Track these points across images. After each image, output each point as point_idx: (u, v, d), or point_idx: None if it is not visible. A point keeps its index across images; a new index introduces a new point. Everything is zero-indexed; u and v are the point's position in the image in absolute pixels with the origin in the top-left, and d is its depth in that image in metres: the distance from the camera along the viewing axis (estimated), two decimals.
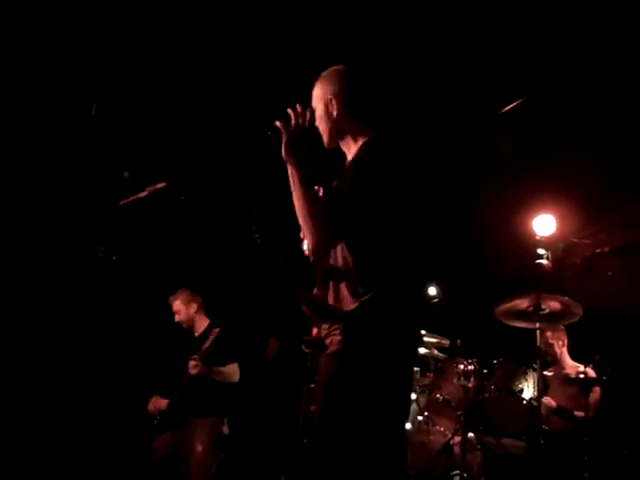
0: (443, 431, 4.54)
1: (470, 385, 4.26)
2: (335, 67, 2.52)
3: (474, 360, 4.37)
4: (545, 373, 4.59)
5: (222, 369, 4.62)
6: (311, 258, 2.48)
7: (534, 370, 4.23)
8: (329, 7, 4.60)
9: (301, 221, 2.26)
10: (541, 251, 5.08)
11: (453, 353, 4.63)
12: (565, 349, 4.92)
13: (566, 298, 4.29)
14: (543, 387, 4.25)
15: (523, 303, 4.33)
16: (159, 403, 4.72)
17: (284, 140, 2.29)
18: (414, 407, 4.58)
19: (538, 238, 5.20)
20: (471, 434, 4.41)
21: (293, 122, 2.29)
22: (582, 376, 4.41)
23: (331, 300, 2.38)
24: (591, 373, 4.49)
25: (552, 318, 4.38)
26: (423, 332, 4.73)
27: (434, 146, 5.08)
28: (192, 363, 4.50)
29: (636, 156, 5.23)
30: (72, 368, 5.13)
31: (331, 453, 2.16)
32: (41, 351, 5.18)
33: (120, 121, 5.01)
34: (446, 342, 4.87)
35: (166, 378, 4.85)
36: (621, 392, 4.75)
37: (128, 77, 4.93)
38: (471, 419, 4.24)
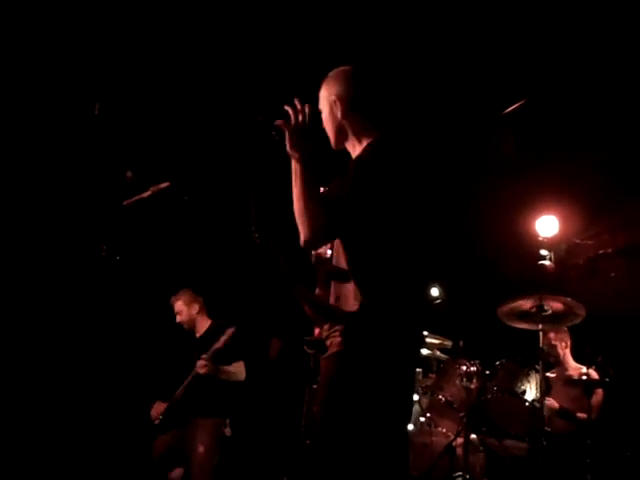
0: (445, 432, 4.53)
1: (472, 386, 4.26)
2: (340, 68, 2.51)
3: (477, 361, 4.36)
4: (548, 374, 4.58)
5: (229, 368, 4.62)
6: (313, 259, 2.49)
7: (537, 371, 4.23)
8: (334, 8, 4.60)
9: (296, 214, 2.25)
10: (544, 252, 5.07)
11: (456, 354, 4.62)
12: (568, 350, 4.91)
13: (569, 299, 4.28)
14: (546, 388, 4.25)
15: (526, 304, 4.33)
16: (161, 408, 4.72)
17: (287, 135, 2.29)
18: (416, 408, 4.58)
19: (541, 239, 5.19)
20: (473, 435, 4.41)
21: (293, 118, 2.29)
22: (585, 378, 4.40)
23: (332, 300, 2.37)
24: (594, 375, 4.48)
25: (555, 319, 4.37)
26: (425, 333, 4.73)
27: (437, 147, 5.08)
28: (201, 363, 4.50)
29: (639, 157, 5.23)
30: (74, 367, 5.13)
31: (332, 455, 2.16)
32: (43, 350, 5.19)
33: (123, 120, 5.01)
34: (448, 343, 4.86)
35: (167, 378, 4.85)
36: (624, 394, 4.75)
37: (131, 77, 4.93)
38: (473, 420, 4.23)
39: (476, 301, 5.46)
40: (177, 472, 4.65)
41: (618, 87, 4.92)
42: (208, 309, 5.02)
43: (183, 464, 4.62)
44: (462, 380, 4.27)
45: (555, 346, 4.88)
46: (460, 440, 4.27)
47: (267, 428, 5.80)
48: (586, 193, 5.41)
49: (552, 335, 4.83)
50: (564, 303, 4.29)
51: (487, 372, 4.32)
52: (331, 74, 2.51)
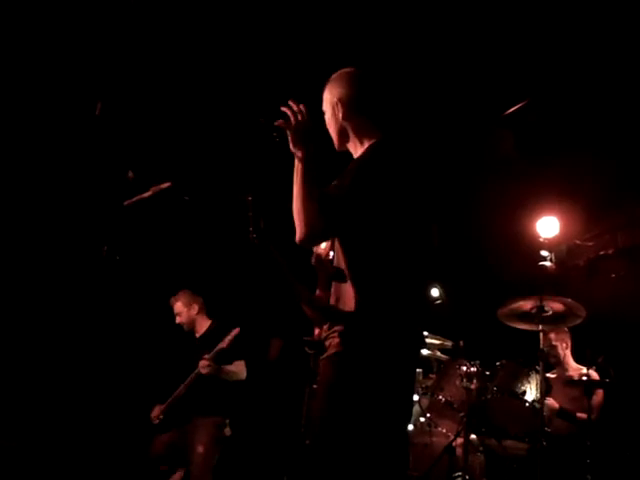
0: (445, 433, 4.53)
1: (473, 387, 4.25)
2: (342, 70, 2.53)
3: (477, 362, 4.35)
4: (548, 375, 4.58)
5: (230, 367, 4.63)
6: (314, 260, 2.49)
7: (537, 372, 4.22)
8: (337, 10, 4.61)
9: (294, 212, 2.26)
10: (544, 253, 5.06)
11: (456, 355, 4.62)
12: (569, 351, 4.92)
13: (569, 300, 4.29)
14: (546, 389, 4.25)
15: (526, 305, 4.34)
16: (161, 409, 4.73)
17: (289, 135, 2.30)
18: (416, 408, 4.57)
19: (541, 240, 5.18)
20: (473, 436, 4.40)
21: (292, 118, 2.30)
22: (585, 378, 4.41)
23: (333, 301, 2.38)
24: (594, 375, 4.48)
25: (555, 320, 4.38)
26: (426, 333, 4.73)
27: (438, 148, 5.08)
28: (203, 362, 4.51)
29: (639, 158, 5.23)
30: (74, 367, 5.14)
31: (331, 455, 2.16)
32: (44, 350, 5.19)
33: (125, 121, 5.02)
34: (449, 344, 4.86)
35: (167, 377, 4.86)
36: (624, 394, 4.75)
37: (133, 77, 4.94)
38: (473, 421, 4.23)
39: (476, 301, 5.46)
40: (178, 475, 4.66)
41: (619, 88, 4.92)
42: (208, 309, 5.02)
43: (183, 464, 4.62)
44: (462, 380, 4.27)
45: (556, 347, 4.88)
46: (460, 440, 4.27)
47: (267, 428, 5.80)
48: (587, 194, 5.41)
49: (553, 336, 4.83)
50: (564, 304, 4.29)
51: (487, 373, 4.31)
52: (333, 76, 2.53)
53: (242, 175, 4.74)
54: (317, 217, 2.21)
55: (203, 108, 5.20)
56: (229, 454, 4.77)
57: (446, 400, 4.37)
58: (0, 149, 4.95)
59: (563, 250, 5.56)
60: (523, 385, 4.24)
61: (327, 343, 2.30)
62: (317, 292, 2.53)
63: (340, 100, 2.45)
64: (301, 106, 2.32)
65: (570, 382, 4.62)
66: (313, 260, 2.52)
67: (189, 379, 4.63)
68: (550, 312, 4.31)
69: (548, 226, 5.31)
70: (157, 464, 4.65)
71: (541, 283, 4.60)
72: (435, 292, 5.11)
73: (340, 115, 2.45)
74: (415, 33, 4.79)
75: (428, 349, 4.78)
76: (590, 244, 5.79)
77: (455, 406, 4.33)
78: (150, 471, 4.66)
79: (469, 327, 5.03)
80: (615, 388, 4.49)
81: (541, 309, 4.27)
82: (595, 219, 5.75)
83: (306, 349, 2.46)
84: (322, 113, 2.54)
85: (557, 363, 4.91)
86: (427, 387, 4.60)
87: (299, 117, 2.31)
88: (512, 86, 5.10)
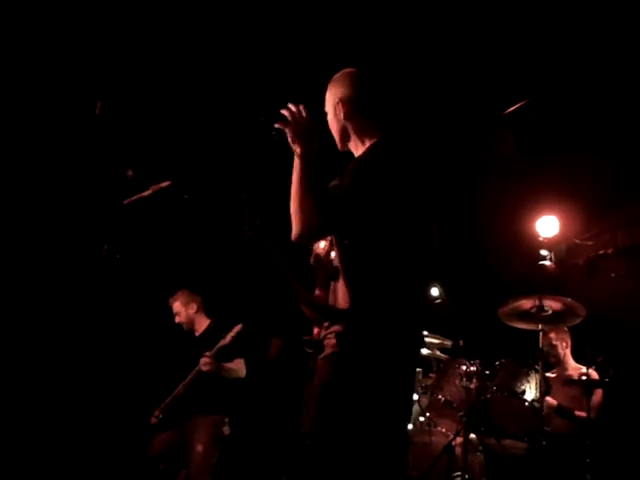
0: (445, 432, 4.53)
1: (472, 386, 4.26)
2: (344, 70, 2.54)
3: (476, 361, 4.36)
4: (547, 375, 4.58)
5: (231, 365, 4.63)
6: (313, 260, 2.49)
7: (536, 371, 4.22)
8: (338, 10, 4.61)
9: (292, 209, 2.26)
10: (544, 252, 5.08)
11: (455, 354, 4.62)
12: (569, 350, 4.92)
13: (569, 299, 4.29)
14: (545, 389, 4.25)
15: (526, 304, 4.34)
16: (160, 409, 4.74)
17: (287, 131, 2.31)
18: (416, 408, 4.58)
19: (541, 239, 5.20)
20: (473, 435, 4.41)
21: (291, 117, 2.32)
22: (584, 378, 4.41)
23: (331, 301, 2.38)
24: (594, 375, 4.48)
25: (555, 319, 4.38)
26: (425, 333, 4.74)
27: (438, 148, 5.08)
28: (204, 360, 4.51)
29: (639, 157, 5.23)
30: (73, 366, 5.14)
31: (326, 457, 2.15)
32: (43, 349, 5.19)
33: (124, 119, 5.02)
34: (448, 343, 4.86)
35: (166, 376, 4.86)
36: (623, 394, 4.75)
37: (133, 76, 4.94)
38: (473, 420, 4.23)
39: (476, 301, 5.46)
40: (181, 476, 4.66)
41: (618, 88, 4.92)
42: (208, 308, 5.02)
43: (182, 464, 4.62)
44: (462, 380, 4.27)
45: (556, 346, 4.88)
46: (459, 440, 4.27)
47: (267, 428, 5.80)
48: (586, 193, 5.41)
49: (553, 335, 4.83)
50: (564, 303, 4.30)
51: (487, 372, 4.31)
52: (335, 76, 2.54)
53: (239, 173, 4.74)
54: (314, 215, 2.21)
55: (203, 107, 5.20)
56: (228, 453, 4.76)
57: (446, 399, 4.37)
58: (0, 148, 4.96)
59: (563, 249, 5.57)
60: (523, 384, 4.24)
61: (325, 343, 2.30)
62: (316, 292, 2.53)
63: (342, 100, 2.46)
64: (301, 107, 2.33)
65: (570, 381, 4.63)
66: (312, 260, 2.52)
67: (189, 378, 4.64)
68: (550, 311, 4.31)
69: (548, 225, 5.32)
70: (157, 463, 4.65)
71: (541, 282, 4.61)
72: (435, 291, 5.11)
73: (342, 115, 2.46)
74: (416, 33, 4.79)
75: (428, 348, 4.78)
76: (590, 243, 5.80)
77: (455, 405, 4.33)
78: (150, 470, 4.66)
79: (469, 326, 5.03)
80: (614, 387, 4.49)
81: (541, 308, 4.28)
82: (595, 218, 5.76)
83: (305, 348, 2.45)
84: (324, 114, 2.54)
85: (557, 362, 4.91)
86: (427, 386, 4.60)
87: (298, 116, 2.32)
88: (512, 86, 5.10)
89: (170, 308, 4.99)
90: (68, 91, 4.93)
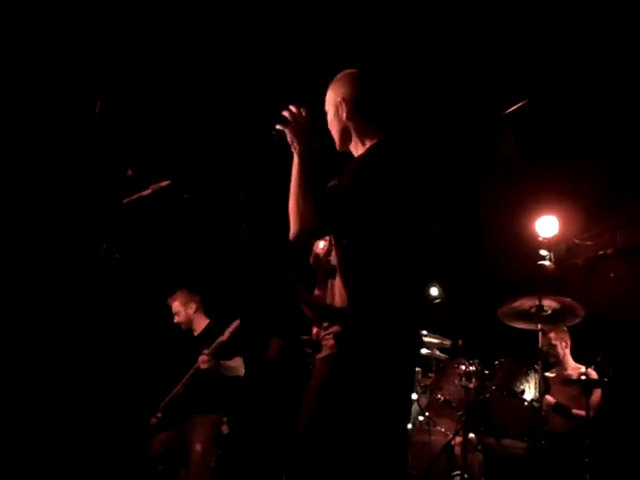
0: (444, 431, 4.54)
1: (471, 386, 4.26)
2: (346, 71, 2.54)
3: (475, 361, 4.36)
4: (547, 374, 4.59)
5: (229, 363, 4.63)
6: (312, 259, 2.49)
7: (535, 371, 4.23)
8: (339, 11, 4.61)
9: (290, 208, 2.26)
10: (543, 252, 5.08)
11: (455, 354, 4.62)
12: (568, 350, 4.92)
13: (568, 299, 4.30)
14: (544, 388, 4.25)
15: (525, 304, 4.34)
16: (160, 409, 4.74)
17: (287, 131, 2.32)
18: (415, 407, 4.58)
19: (540, 239, 5.20)
20: (472, 435, 4.41)
21: (291, 117, 2.32)
22: (584, 377, 4.41)
23: (330, 301, 2.38)
24: (593, 374, 4.48)
25: (554, 319, 4.38)
26: (425, 332, 4.74)
27: (439, 149, 5.08)
28: (203, 357, 4.51)
29: (638, 157, 5.23)
30: (73, 366, 5.14)
31: (322, 457, 2.15)
32: (42, 349, 5.19)
33: (124, 119, 5.02)
34: (448, 343, 4.87)
35: (166, 376, 4.86)
36: (622, 393, 4.75)
37: (132, 75, 4.94)
38: (472, 419, 4.23)
39: (476, 301, 5.46)
40: (181, 476, 4.66)
41: (618, 88, 4.92)
42: (207, 307, 5.02)
43: (182, 463, 4.62)
44: (461, 379, 4.27)
45: (555, 346, 4.88)
46: (458, 439, 4.27)
47: (266, 427, 5.80)
48: (586, 193, 5.41)
49: (552, 335, 4.84)
50: (563, 303, 4.30)
51: (486, 371, 4.31)
52: (337, 76, 2.54)
53: (237, 172, 4.74)
54: (312, 215, 2.21)
55: (202, 106, 5.20)
56: (228, 453, 4.77)
57: (445, 399, 4.37)
58: (0, 148, 4.96)
59: (562, 249, 5.56)
60: (522, 384, 4.24)
61: (323, 344, 2.30)
62: (315, 291, 2.53)
63: (344, 100, 2.46)
64: (302, 109, 2.33)
65: (569, 381, 4.63)
66: (311, 259, 2.52)
67: (187, 376, 4.64)
68: (549, 311, 4.31)
69: (547, 225, 5.32)
70: (156, 463, 4.65)
71: (540, 282, 4.61)
72: (434, 291, 5.12)
73: (344, 115, 2.46)
74: (416, 34, 4.79)
75: (427, 348, 4.79)
76: (589, 243, 5.80)
77: (454, 405, 4.34)
78: (149, 470, 4.66)
79: (468, 326, 5.03)
80: (614, 387, 4.49)
81: (540, 308, 4.28)
82: (594, 219, 5.76)
83: (304, 348, 2.45)
84: (324, 114, 2.54)
85: (556, 362, 4.91)
86: (426, 386, 4.60)
87: (299, 117, 2.32)
88: (512, 86, 5.10)
89: (169, 308, 5.00)
90: (68, 91, 4.93)
